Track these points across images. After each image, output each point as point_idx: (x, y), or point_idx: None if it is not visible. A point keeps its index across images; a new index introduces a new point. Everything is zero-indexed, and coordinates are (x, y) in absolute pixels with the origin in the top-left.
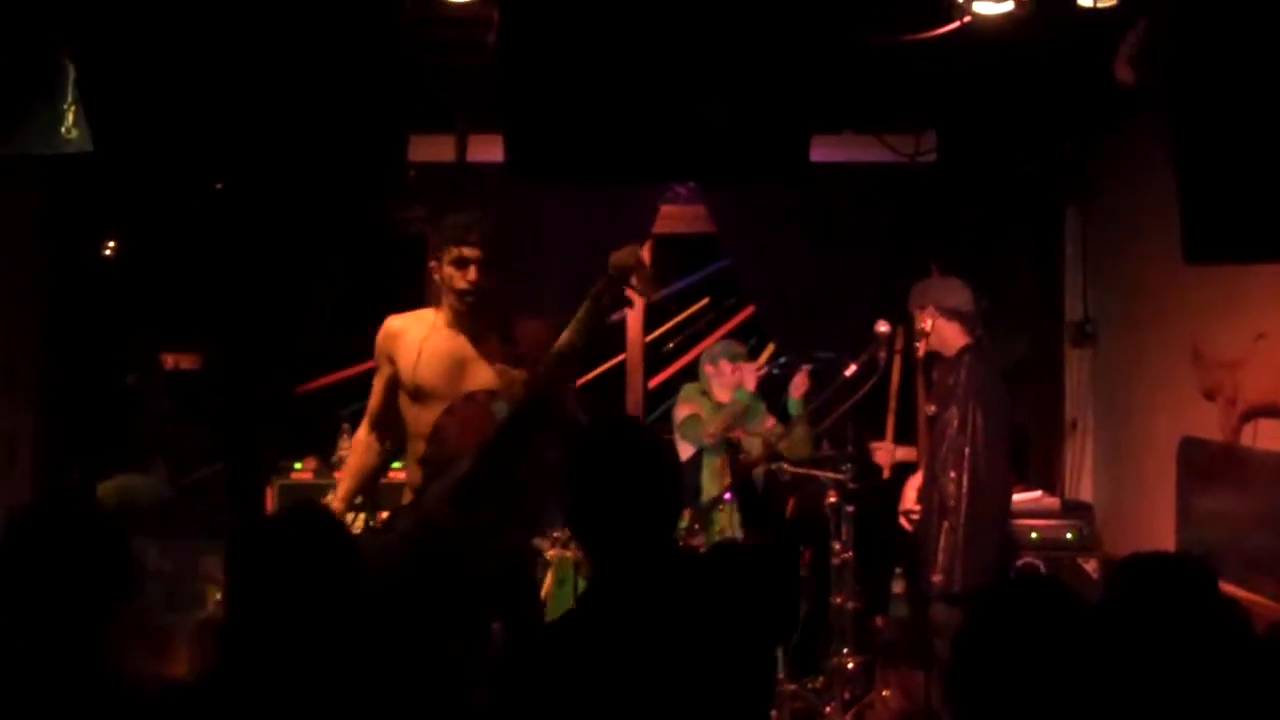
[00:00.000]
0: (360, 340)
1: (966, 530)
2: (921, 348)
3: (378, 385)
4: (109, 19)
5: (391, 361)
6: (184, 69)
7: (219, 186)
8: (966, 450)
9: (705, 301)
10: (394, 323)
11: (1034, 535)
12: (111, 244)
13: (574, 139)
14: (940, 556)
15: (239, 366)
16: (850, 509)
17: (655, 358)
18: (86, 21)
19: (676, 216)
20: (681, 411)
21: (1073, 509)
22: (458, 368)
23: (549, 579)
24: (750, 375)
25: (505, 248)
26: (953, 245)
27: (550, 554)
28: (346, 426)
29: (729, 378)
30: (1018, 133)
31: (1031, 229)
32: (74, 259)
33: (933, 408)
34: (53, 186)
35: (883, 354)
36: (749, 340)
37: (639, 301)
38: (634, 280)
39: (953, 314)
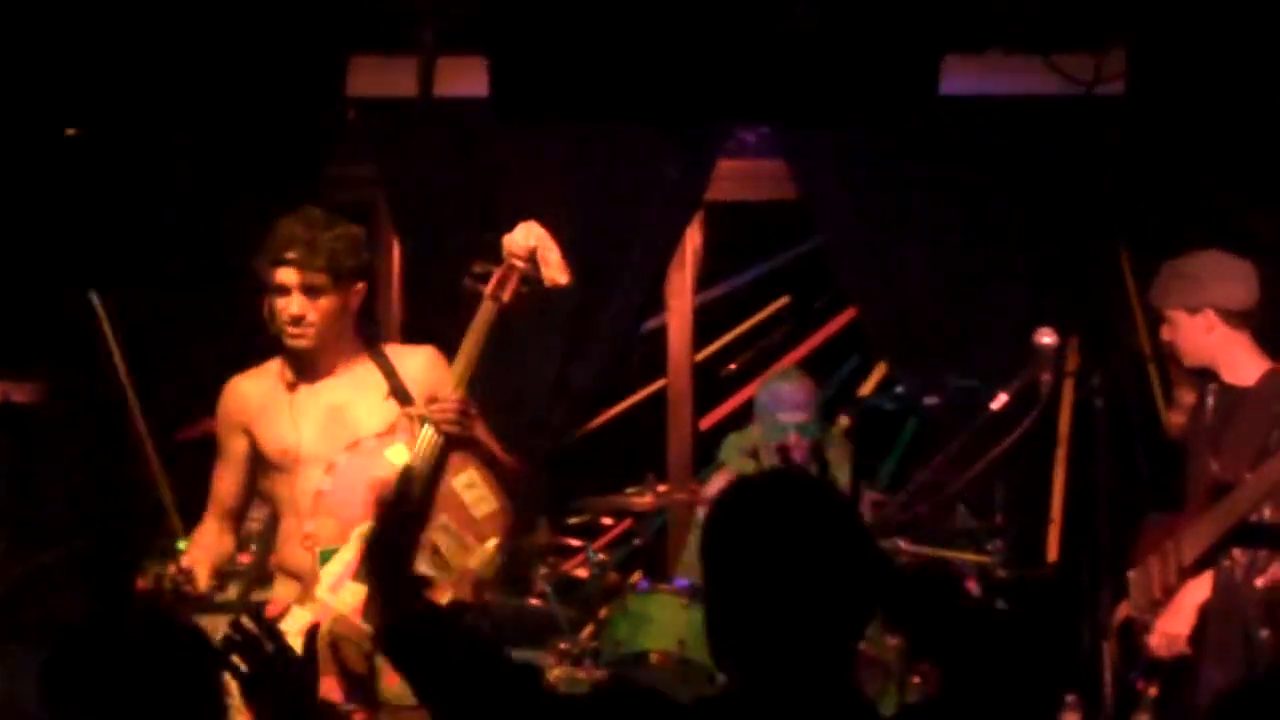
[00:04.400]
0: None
1: None
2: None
3: (226, 469)
4: None
5: (247, 433)
6: None
7: (71, 133)
8: None
9: (784, 301)
10: (243, 385)
11: None
12: None
13: (588, 63)
14: None
15: (97, 401)
16: (1000, 607)
17: (710, 385)
18: None
19: (741, 176)
20: (714, 488)
21: None
22: (336, 419)
23: None
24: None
25: (350, 258)
26: (1149, 218)
27: (554, 674)
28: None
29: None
30: (1240, 49)
31: (1269, 194)
32: None
33: (1217, 465)
34: None
35: (1047, 377)
36: (851, 357)
37: (558, 282)
38: (538, 265)
39: (1241, 320)
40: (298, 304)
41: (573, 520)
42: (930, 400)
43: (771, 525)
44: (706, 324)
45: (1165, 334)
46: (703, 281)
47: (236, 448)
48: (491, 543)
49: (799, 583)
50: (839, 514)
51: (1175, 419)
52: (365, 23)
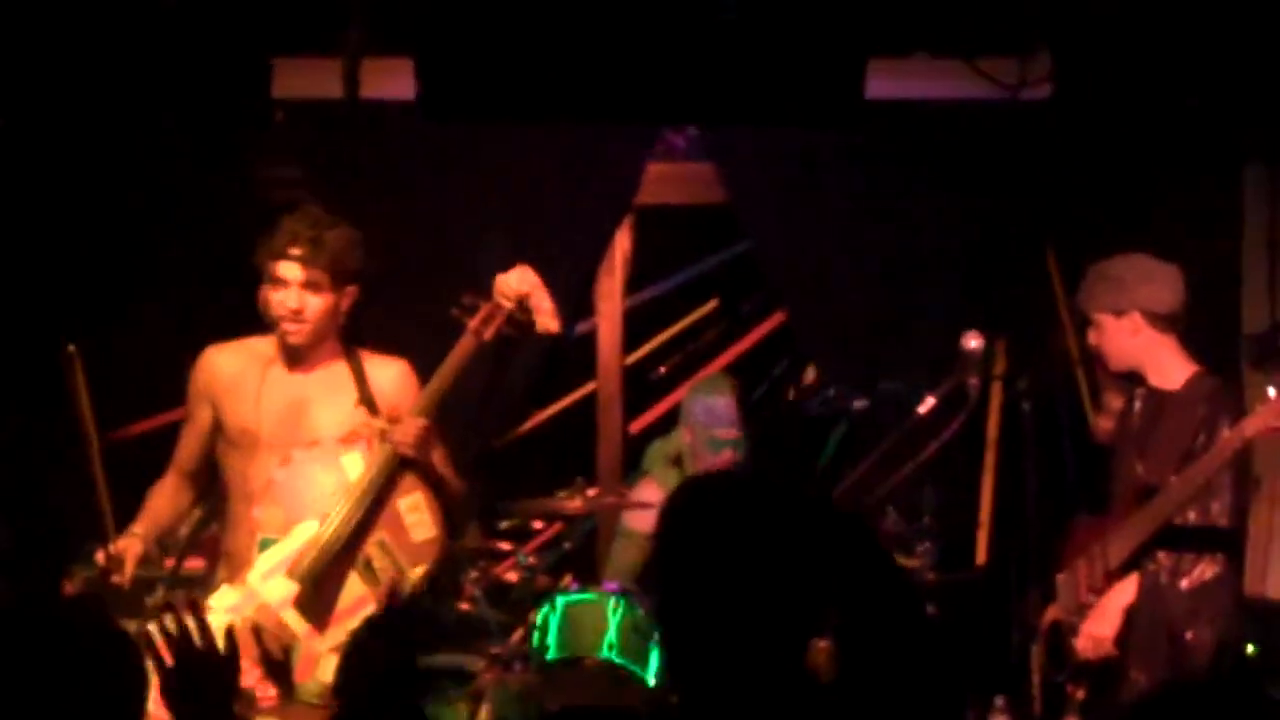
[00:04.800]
0: None
1: None
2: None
3: (190, 434)
4: None
5: (213, 405)
6: None
7: None
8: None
9: (713, 304)
10: (218, 356)
11: None
12: None
13: (515, 64)
14: None
15: (20, 400)
16: (929, 611)
17: (640, 388)
18: None
19: (670, 179)
20: (645, 493)
21: (1254, 611)
22: (299, 412)
23: (481, 716)
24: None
25: (349, 259)
26: (1075, 221)
27: (485, 678)
28: None
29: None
30: (1169, 55)
31: (1192, 198)
32: None
33: (1143, 469)
34: None
35: (975, 381)
36: (780, 362)
37: (549, 329)
38: (529, 310)
39: (1168, 324)
40: (296, 298)
41: (503, 524)
42: (859, 404)
43: (731, 531)
44: (636, 328)
45: (1092, 338)
46: (632, 285)
47: (202, 416)
48: (420, 569)
49: (761, 588)
50: (798, 515)
51: (1103, 423)
52: (291, 24)
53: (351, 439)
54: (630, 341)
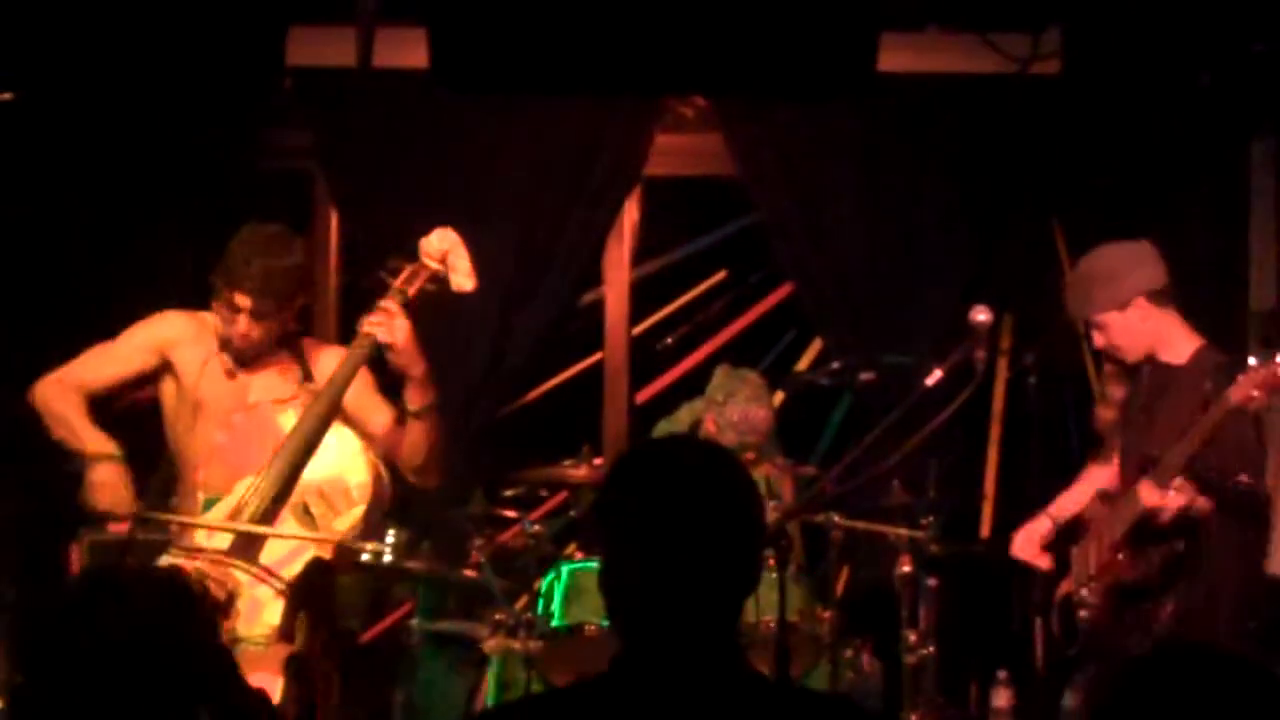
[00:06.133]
0: None
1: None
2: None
3: (117, 366)
4: None
5: (165, 360)
6: None
7: (7, 97)
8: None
9: (721, 276)
10: (179, 320)
11: None
12: None
13: (526, 34)
14: None
15: (29, 360)
16: (932, 582)
17: (647, 358)
18: None
19: (679, 151)
20: None
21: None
22: (241, 389)
23: (486, 682)
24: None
25: (298, 286)
26: (1083, 196)
27: (489, 645)
28: None
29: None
30: (1177, 31)
31: (1200, 174)
32: None
33: (1148, 442)
34: None
35: (981, 354)
36: (785, 334)
37: (464, 288)
38: (448, 269)
39: (1166, 298)
40: (246, 324)
41: (509, 492)
42: (865, 376)
43: (665, 487)
44: (643, 298)
45: (1099, 341)
46: (640, 255)
47: (145, 363)
48: (359, 509)
49: (686, 546)
50: (733, 482)
51: (1104, 414)
52: None
53: (288, 400)
54: (637, 312)
